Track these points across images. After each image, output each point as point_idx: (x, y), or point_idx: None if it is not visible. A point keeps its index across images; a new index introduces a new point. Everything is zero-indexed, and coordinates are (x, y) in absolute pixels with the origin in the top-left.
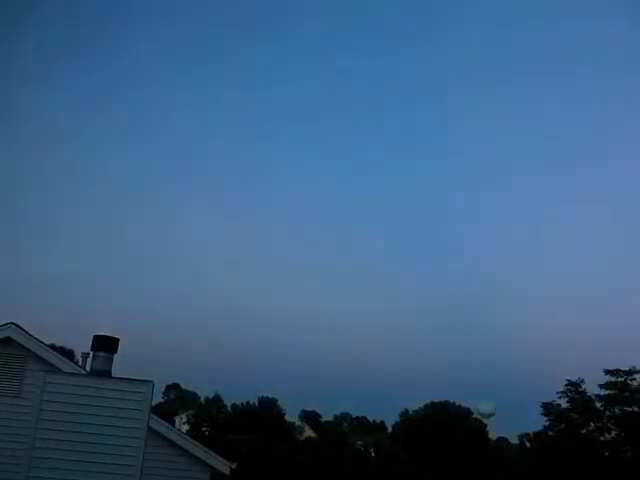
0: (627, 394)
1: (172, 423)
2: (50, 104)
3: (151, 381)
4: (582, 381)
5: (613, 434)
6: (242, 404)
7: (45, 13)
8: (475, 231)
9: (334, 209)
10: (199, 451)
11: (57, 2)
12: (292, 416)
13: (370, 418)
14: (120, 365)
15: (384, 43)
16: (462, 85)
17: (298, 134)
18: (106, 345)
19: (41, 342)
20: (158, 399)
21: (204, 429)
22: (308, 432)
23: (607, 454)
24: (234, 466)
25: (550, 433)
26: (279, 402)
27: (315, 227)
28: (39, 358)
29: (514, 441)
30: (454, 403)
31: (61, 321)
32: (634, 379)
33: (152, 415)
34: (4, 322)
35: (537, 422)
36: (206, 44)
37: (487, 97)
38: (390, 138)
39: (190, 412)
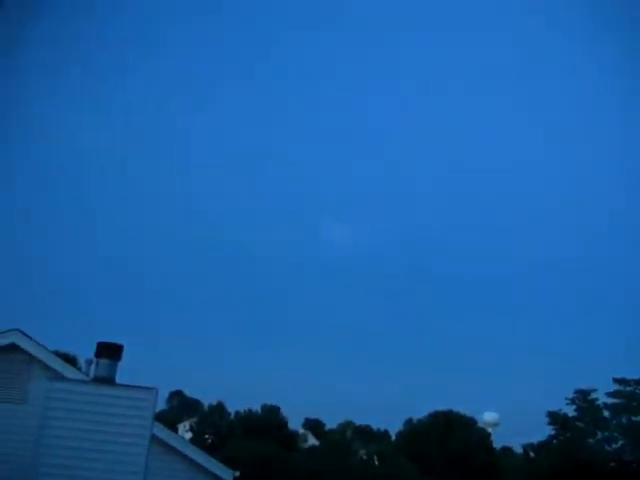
0: (634, 404)
1: (175, 431)
2: None
3: (155, 388)
4: (593, 390)
5: (620, 443)
6: (245, 412)
7: None
8: None
9: None
10: (202, 458)
11: None
12: (295, 423)
13: (374, 426)
14: (124, 372)
15: None
16: None
17: None
18: (110, 352)
19: (46, 349)
20: (162, 406)
21: (207, 437)
22: (311, 440)
23: (612, 465)
24: (237, 474)
25: (555, 442)
26: (282, 410)
27: None
28: (44, 365)
29: (518, 451)
30: (458, 412)
31: (64, 327)
32: None
33: (155, 422)
34: (9, 328)
35: (541, 432)
36: None
37: None
38: None
39: (193, 420)
